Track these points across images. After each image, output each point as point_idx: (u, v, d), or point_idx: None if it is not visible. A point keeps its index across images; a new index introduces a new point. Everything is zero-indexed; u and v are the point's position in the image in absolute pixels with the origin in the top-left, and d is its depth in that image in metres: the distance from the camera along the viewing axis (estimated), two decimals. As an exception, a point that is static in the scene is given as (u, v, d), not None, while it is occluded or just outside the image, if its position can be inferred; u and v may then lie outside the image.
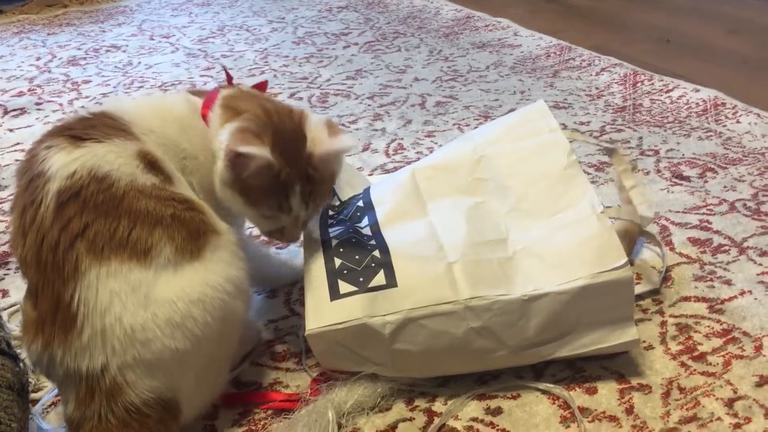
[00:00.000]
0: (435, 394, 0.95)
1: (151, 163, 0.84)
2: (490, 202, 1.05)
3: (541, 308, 0.92)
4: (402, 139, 1.73)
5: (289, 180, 0.89)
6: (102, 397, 0.76)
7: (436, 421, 0.90)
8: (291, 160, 0.88)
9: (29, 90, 2.07)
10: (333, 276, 0.97)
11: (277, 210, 0.91)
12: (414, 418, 0.91)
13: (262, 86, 1.06)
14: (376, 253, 0.99)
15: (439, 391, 0.95)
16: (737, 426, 0.89)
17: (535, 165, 1.06)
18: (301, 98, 2.01)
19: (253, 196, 0.89)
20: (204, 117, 0.95)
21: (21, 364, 0.77)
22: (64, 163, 0.80)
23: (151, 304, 0.77)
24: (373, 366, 0.94)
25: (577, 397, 0.94)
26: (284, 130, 0.90)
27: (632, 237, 1.17)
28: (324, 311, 0.93)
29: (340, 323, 0.91)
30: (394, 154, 1.64)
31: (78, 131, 0.84)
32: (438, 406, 0.93)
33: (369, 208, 1.10)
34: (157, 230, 0.79)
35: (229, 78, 1.06)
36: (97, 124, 0.86)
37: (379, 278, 0.95)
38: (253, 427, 0.90)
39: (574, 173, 1.03)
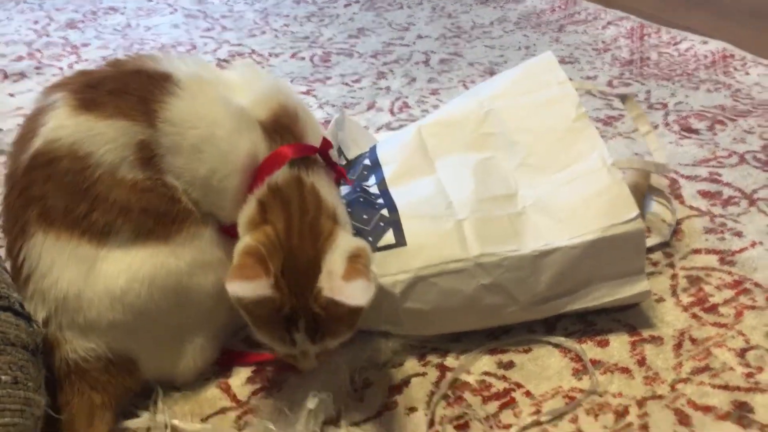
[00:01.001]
0: (447, 349, 0.95)
1: (146, 160, 0.80)
2: (499, 157, 1.04)
3: (552, 263, 0.91)
4: (407, 97, 1.71)
5: (292, 314, 0.76)
6: (48, 348, 0.79)
7: (449, 375, 0.91)
8: (298, 293, 0.76)
9: (28, 54, 2.04)
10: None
11: (279, 341, 0.79)
12: (426, 373, 0.92)
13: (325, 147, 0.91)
14: (384, 212, 0.98)
15: (451, 347, 0.95)
16: (749, 375, 0.89)
17: (543, 118, 1.05)
18: (303, 58, 1.98)
19: (256, 321, 0.78)
20: (254, 182, 0.84)
21: (35, 325, 0.77)
22: (55, 126, 0.79)
23: (92, 276, 0.78)
24: (385, 325, 0.94)
25: (589, 350, 0.94)
26: (299, 256, 0.77)
27: (642, 190, 1.16)
28: (334, 271, 0.93)
29: (350, 282, 0.91)
30: (399, 113, 1.63)
31: (95, 95, 0.80)
32: (450, 361, 0.93)
33: (376, 166, 1.10)
34: (119, 219, 0.78)
35: (326, 147, 0.91)
36: (127, 91, 0.81)
37: (388, 237, 0.94)
38: (267, 385, 0.91)
39: (584, 126, 1.01)
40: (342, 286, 0.73)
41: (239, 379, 0.92)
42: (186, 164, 0.82)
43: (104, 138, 0.78)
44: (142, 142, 0.80)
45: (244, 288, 0.71)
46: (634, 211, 0.91)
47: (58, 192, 0.78)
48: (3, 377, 0.69)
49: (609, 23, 2.11)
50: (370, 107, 1.66)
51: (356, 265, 0.75)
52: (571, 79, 1.08)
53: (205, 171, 0.82)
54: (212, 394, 0.89)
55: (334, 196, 0.87)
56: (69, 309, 0.79)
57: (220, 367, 0.93)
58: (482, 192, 0.98)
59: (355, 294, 0.71)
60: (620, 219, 0.91)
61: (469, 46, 2.02)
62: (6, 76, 1.89)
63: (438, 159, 1.05)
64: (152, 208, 0.80)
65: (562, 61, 1.84)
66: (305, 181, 0.84)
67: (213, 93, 0.85)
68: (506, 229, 0.94)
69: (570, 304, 0.94)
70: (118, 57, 0.91)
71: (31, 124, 0.82)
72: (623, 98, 1.14)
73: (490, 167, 1.02)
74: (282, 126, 0.87)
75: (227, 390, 0.90)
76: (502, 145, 1.04)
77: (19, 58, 2.02)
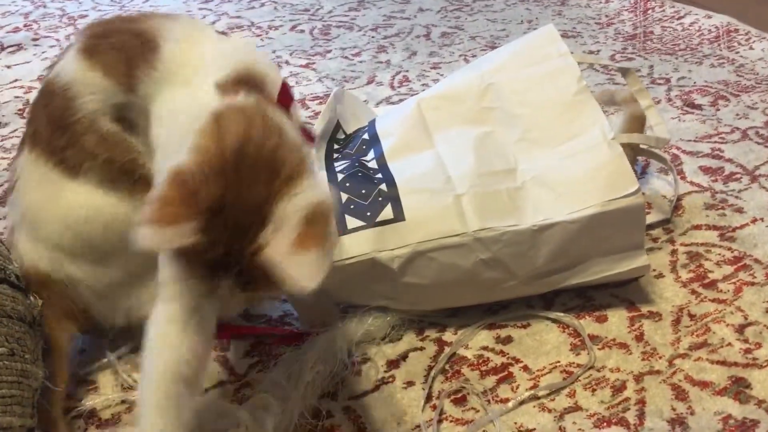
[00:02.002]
0: (445, 324, 0.95)
1: (122, 118, 0.82)
2: (499, 131, 1.03)
3: (551, 238, 0.91)
4: (407, 71, 1.69)
5: (220, 263, 0.61)
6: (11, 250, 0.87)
7: (447, 350, 0.91)
8: (234, 237, 0.60)
9: (25, 26, 2.03)
10: (340, 211, 0.96)
11: (201, 282, 0.64)
12: (424, 348, 0.92)
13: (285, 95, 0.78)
14: (383, 186, 0.97)
15: (449, 321, 0.95)
16: (748, 351, 0.89)
17: (544, 92, 1.03)
18: (302, 30, 1.96)
19: (175, 259, 0.65)
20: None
21: (31, 297, 0.77)
22: (63, 64, 0.84)
23: (54, 199, 0.83)
24: (383, 300, 0.94)
25: (587, 325, 0.94)
26: (247, 190, 0.61)
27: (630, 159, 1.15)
28: (332, 246, 0.92)
29: (348, 258, 0.91)
30: (399, 87, 1.61)
31: (98, 44, 0.82)
32: (448, 335, 0.94)
33: (375, 140, 1.09)
34: (87, 162, 0.82)
35: (286, 93, 0.77)
36: (123, 49, 0.81)
37: (387, 212, 0.94)
38: (265, 358, 0.91)
39: (585, 99, 1.00)
40: (289, 258, 0.58)
41: (237, 352, 0.92)
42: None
43: (89, 89, 0.81)
44: (116, 105, 0.81)
45: (158, 236, 0.57)
46: (634, 186, 0.90)
47: (47, 122, 0.83)
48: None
49: (612, -3, 2.09)
50: (370, 81, 1.65)
51: (314, 229, 0.60)
52: (572, 53, 1.06)
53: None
54: (210, 367, 0.89)
55: (298, 138, 0.70)
56: (27, 220, 0.86)
57: (218, 340, 0.93)
58: (482, 166, 0.97)
59: (302, 272, 0.58)
60: (620, 193, 0.90)
61: (471, 19, 2.00)
62: (3, 48, 1.87)
63: (437, 133, 1.04)
64: (116, 163, 0.82)
65: (564, 35, 1.82)
66: (268, 111, 0.69)
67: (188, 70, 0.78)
68: (505, 203, 0.94)
69: (569, 279, 0.94)
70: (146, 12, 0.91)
71: (62, 53, 0.87)
72: (624, 72, 1.13)
73: (490, 141, 1.01)
74: (243, 83, 0.74)
75: (225, 363, 0.91)
76: (502, 119, 1.03)
77: (16, 30, 2.00)
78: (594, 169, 0.94)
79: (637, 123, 1.13)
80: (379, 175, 1.00)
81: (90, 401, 0.85)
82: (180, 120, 0.72)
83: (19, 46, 1.88)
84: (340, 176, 1.02)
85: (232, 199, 0.60)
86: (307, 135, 0.78)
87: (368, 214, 0.94)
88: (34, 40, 1.93)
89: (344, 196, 0.97)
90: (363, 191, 0.97)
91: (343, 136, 1.16)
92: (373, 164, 1.03)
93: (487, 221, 0.91)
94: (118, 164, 0.82)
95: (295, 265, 0.58)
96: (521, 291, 0.95)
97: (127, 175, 0.83)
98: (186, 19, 0.86)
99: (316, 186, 0.64)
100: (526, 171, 0.97)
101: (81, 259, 0.85)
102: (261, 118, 0.66)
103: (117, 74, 0.80)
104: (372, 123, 1.14)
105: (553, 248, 0.91)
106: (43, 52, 1.84)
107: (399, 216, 0.93)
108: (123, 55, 0.81)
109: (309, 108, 1.53)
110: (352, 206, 0.96)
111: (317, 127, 1.12)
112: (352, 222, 0.94)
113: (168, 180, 0.59)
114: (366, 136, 1.11)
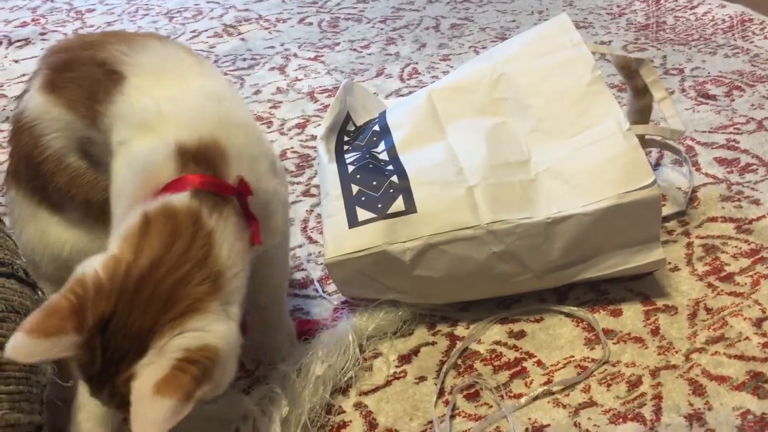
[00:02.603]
0: (457, 318, 0.94)
1: (88, 153, 0.77)
2: (511, 122, 1.01)
3: (565, 231, 0.89)
4: (416, 63, 1.68)
5: (94, 378, 0.61)
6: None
7: (459, 344, 0.90)
8: (109, 360, 0.60)
9: (33, 20, 2.02)
10: (351, 203, 0.95)
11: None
12: (436, 342, 0.91)
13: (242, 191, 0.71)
14: (394, 178, 0.96)
15: (461, 316, 0.94)
16: (766, 345, 0.87)
17: (557, 82, 1.02)
18: (311, 23, 1.95)
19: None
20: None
21: (39, 293, 0.77)
22: (28, 97, 0.79)
23: (44, 235, 0.80)
24: (394, 293, 0.93)
25: (602, 319, 0.92)
26: (137, 314, 0.60)
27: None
28: (343, 239, 0.91)
29: (359, 251, 0.90)
30: (408, 79, 1.60)
31: (59, 77, 0.77)
32: (460, 330, 0.92)
33: (385, 132, 1.08)
34: (67, 202, 0.79)
35: (245, 191, 0.70)
36: (82, 84, 0.76)
37: (398, 204, 0.93)
38: (275, 354, 0.90)
39: (599, 89, 0.99)
40: (144, 400, 0.56)
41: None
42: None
43: (54, 125, 0.76)
44: (81, 138, 0.76)
45: (33, 347, 0.56)
46: (650, 177, 0.89)
47: (22, 159, 0.79)
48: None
49: (624, -13, 2.07)
50: (379, 74, 1.63)
51: (181, 376, 0.57)
52: (585, 43, 1.05)
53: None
54: (220, 362, 0.89)
55: (233, 255, 0.67)
56: (29, 259, 0.82)
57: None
58: (494, 158, 0.96)
59: (147, 419, 0.55)
60: (636, 185, 0.89)
61: (481, 10, 1.98)
62: (11, 42, 1.87)
63: (449, 124, 1.03)
64: (93, 201, 0.77)
65: (575, 26, 1.79)
66: (204, 224, 0.65)
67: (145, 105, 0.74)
68: (519, 195, 0.92)
69: (583, 273, 0.93)
70: (106, 34, 0.83)
71: (29, 82, 0.81)
72: (639, 63, 1.11)
73: (503, 132, 1.00)
74: (203, 157, 0.69)
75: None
76: (515, 110, 1.02)
77: (24, 24, 2.00)
78: (609, 160, 0.92)
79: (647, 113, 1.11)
80: (391, 167, 0.99)
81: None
82: (135, 169, 0.69)
83: (26, 41, 1.88)
84: (350, 168, 1.01)
85: (118, 322, 0.60)
86: (257, 235, 0.71)
87: (379, 206, 0.93)
88: (42, 34, 1.92)
89: (355, 188, 0.96)
90: (374, 183, 0.96)
91: (353, 128, 1.15)
92: (384, 156, 1.02)
93: (500, 213, 0.90)
94: (96, 204, 0.76)
95: (144, 409, 0.56)
96: (535, 284, 0.93)
97: (105, 214, 0.74)
98: (159, 45, 0.79)
99: (211, 326, 0.61)
100: (539, 162, 0.96)
101: None
102: (189, 235, 0.64)
103: (79, 108, 0.75)
104: (382, 114, 1.13)
105: (567, 241, 0.90)
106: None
107: (410, 208, 0.92)
108: (85, 90, 0.75)
109: (318, 101, 1.52)
110: (363, 198, 0.94)
111: (327, 119, 1.11)
112: (363, 214, 0.93)
113: (67, 287, 0.60)
114: (377, 127, 1.10)
